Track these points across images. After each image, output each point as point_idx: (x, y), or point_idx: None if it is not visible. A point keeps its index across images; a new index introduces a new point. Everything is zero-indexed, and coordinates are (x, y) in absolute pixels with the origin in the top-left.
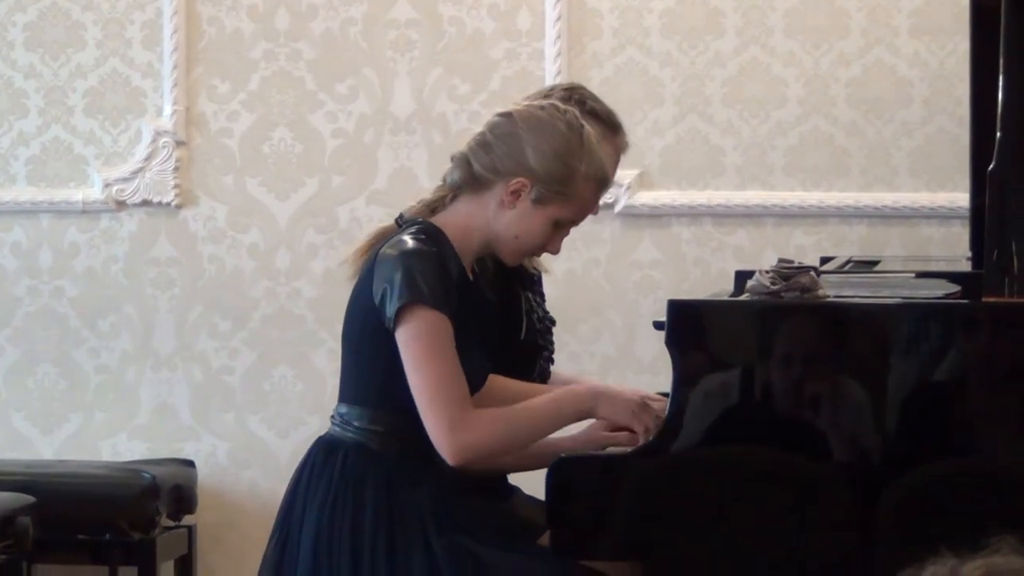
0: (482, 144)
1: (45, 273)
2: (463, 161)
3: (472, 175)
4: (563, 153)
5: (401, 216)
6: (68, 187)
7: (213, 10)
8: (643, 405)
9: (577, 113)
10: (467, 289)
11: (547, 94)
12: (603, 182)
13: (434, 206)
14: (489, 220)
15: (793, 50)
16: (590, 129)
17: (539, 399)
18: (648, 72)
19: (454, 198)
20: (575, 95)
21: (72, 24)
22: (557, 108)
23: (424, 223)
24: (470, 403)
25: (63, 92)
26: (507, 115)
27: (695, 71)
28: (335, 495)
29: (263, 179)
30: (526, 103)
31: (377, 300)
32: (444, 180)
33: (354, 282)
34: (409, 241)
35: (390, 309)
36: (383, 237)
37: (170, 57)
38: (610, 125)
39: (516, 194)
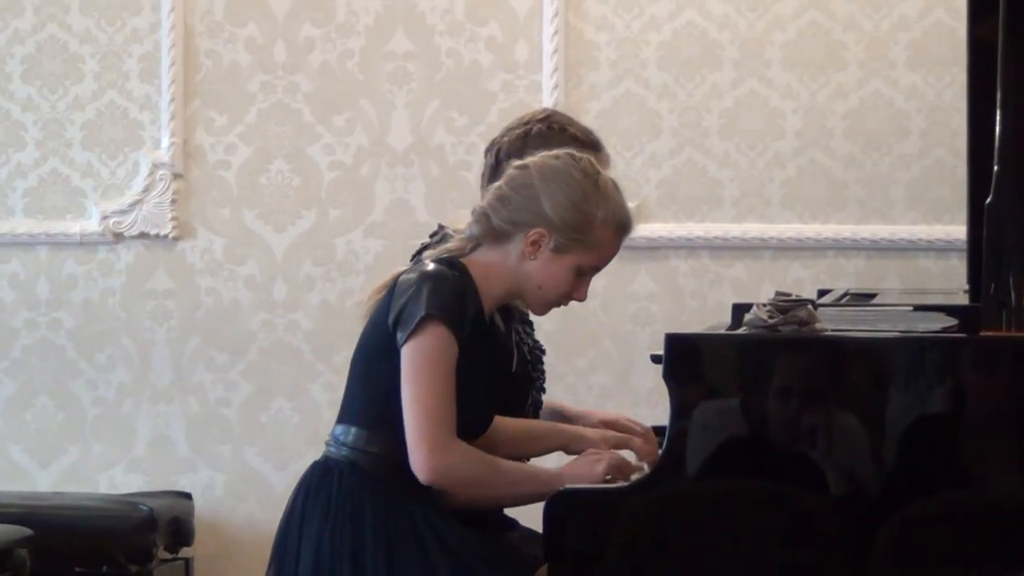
0: (500, 198)
1: (43, 305)
2: (483, 215)
3: (492, 228)
4: (578, 201)
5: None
6: (65, 219)
7: (211, 43)
8: (610, 463)
9: (594, 161)
10: (483, 329)
11: (526, 122)
12: (622, 226)
13: (454, 255)
14: (510, 271)
15: (790, 83)
16: (607, 176)
17: (523, 466)
18: (646, 104)
19: (474, 248)
20: (553, 123)
21: (70, 57)
22: (572, 156)
23: (450, 257)
24: (454, 430)
25: (61, 124)
26: (523, 167)
27: (692, 103)
28: (333, 517)
29: (260, 211)
30: (541, 154)
31: (393, 317)
32: (465, 233)
33: (366, 320)
34: (431, 265)
35: (408, 322)
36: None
37: (168, 90)
38: (591, 144)
39: (536, 245)
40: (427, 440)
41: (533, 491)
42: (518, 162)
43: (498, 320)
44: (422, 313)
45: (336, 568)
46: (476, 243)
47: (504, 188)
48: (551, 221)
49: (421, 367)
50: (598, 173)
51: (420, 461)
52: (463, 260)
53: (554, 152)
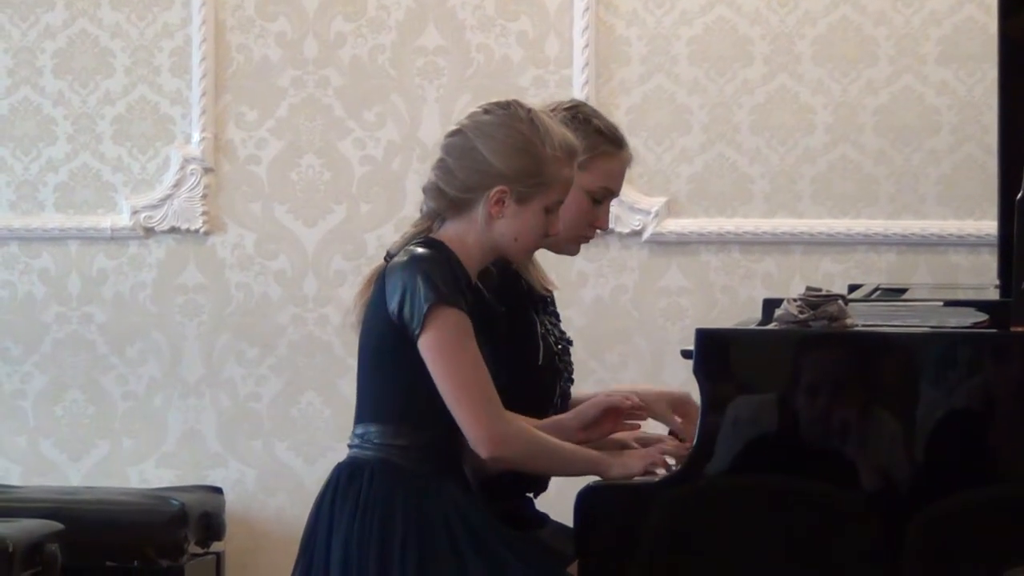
0: (445, 170)
1: (73, 300)
2: (435, 190)
3: (449, 200)
4: (523, 145)
5: (388, 253)
6: (96, 214)
7: (242, 38)
8: (650, 450)
9: (520, 101)
10: (474, 298)
11: (552, 109)
12: (571, 152)
13: (419, 238)
14: (482, 236)
15: (821, 78)
16: (536, 109)
17: (566, 443)
18: (676, 100)
19: (442, 224)
20: (579, 114)
21: (101, 51)
22: (499, 105)
23: (425, 238)
24: (501, 402)
25: (91, 119)
26: (457, 132)
27: (723, 99)
28: (362, 513)
29: (291, 206)
30: (469, 114)
31: (394, 308)
32: (421, 211)
33: (359, 329)
34: (418, 249)
35: (416, 312)
36: (376, 275)
37: (199, 84)
38: (614, 140)
39: (500, 203)
40: (483, 416)
41: (581, 470)
42: (451, 128)
43: (480, 287)
44: (427, 305)
45: (364, 561)
46: (439, 218)
47: (447, 159)
48: (505, 175)
49: (447, 353)
50: (529, 111)
51: (481, 437)
52: (435, 237)
53: (480, 108)
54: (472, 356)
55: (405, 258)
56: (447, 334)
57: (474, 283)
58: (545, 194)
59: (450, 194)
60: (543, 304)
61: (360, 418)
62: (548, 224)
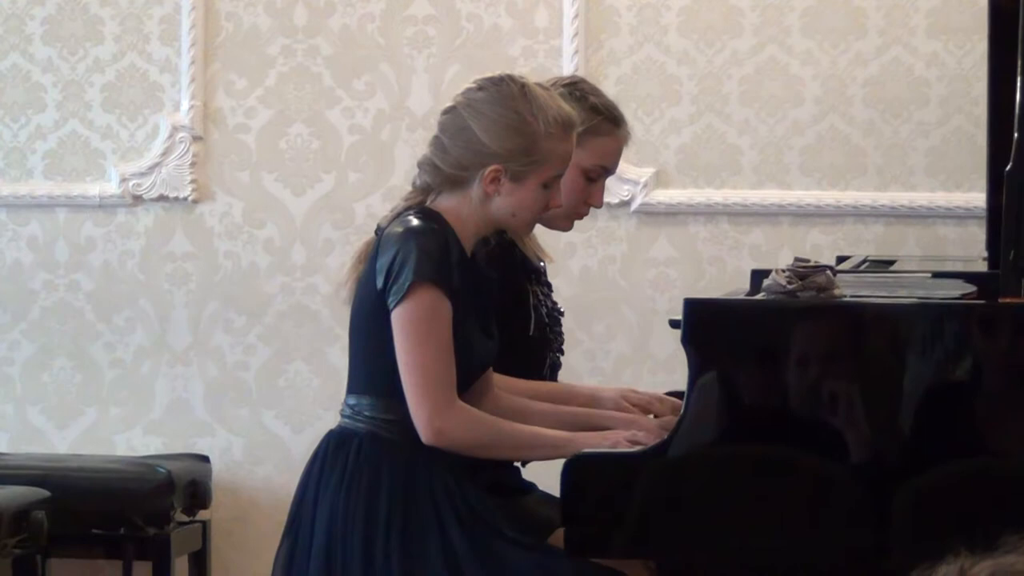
0: (439, 147)
1: (61, 267)
2: (430, 165)
3: (444, 175)
4: (516, 124)
5: (379, 227)
6: (85, 181)
7: (231, 5)
8: (620, 433)
9: (513, 76)
10: (467, 268)
11: (552, 83)
12: (566, 125)
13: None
14: (478, 211)
15: (810, 49)
16: (531, 83)
17: (532, 430)
18: (665, 70)
19: (437, 196)
20: (576, 90)
21: (90, 18)
22: (491, 80)
23: (422, 207)
24: (455, 391)
25: (80, 86)
26: (451, 110)
27: (712, 69)
28: (349, 480)
29: (280, 175)
30: (463, 90)
31: (381, 279)
32: (413, 185)
33: (351, 304)
34: (414, 220)
35: (399, 285)
36: (369, 250)
37: (188, 52)
38: (612, 118)
39: (495, 181)
40: (427, 404)
41: (542, 455)
42: (446, 106)
43: (475, 256)
44: (413, 279)
45: (349, 534)
46: (432, 191)
47: (441, 137)
48: (499, 155)
49: (415, 331)
50: (523, 86)
51: (421, 424)
52: (432, 206)
53: (475, 84)
54: (436, 341)
55: (400, 229)
56: (419, 313)
57: (469, 255)
58: (541, 170)
59: (445, 171)
60: (536, 275)
61: (352, 389)
62: (548, 198)
